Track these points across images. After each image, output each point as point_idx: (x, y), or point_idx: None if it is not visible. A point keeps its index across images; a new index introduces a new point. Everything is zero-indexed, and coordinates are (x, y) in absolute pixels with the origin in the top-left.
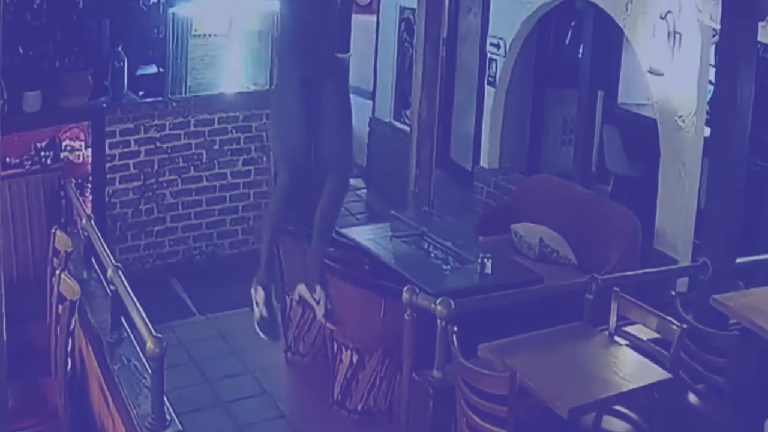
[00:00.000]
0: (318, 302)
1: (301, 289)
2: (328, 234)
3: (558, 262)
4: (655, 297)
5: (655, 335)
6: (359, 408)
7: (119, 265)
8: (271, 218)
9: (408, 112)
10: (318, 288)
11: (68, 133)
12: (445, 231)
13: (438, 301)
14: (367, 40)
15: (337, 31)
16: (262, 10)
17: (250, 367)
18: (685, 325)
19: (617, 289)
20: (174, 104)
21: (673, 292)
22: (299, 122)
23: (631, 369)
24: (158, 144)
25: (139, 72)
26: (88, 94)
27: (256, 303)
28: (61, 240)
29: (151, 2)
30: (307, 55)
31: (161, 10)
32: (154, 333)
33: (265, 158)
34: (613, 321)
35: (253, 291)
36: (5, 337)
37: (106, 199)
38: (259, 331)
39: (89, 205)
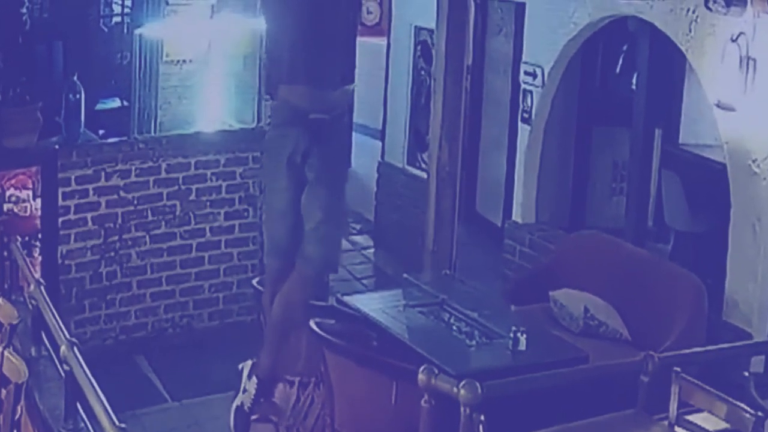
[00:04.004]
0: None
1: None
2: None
3: (607, 336)
4: (724, 379)
5: (725, 425)
6: None
7: (74, 340)
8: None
9: (425, 156)
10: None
11: (13, 181)
12: (469, 299)
13: (461, 384)
14: (375, 68)
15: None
16: (247, 30)
17: None
18: (760, 413)
19: (678, 369)
20: (141, 145)
21: (746, 373)
22: (286, 215)
23: None
24: (122, 194)
25: (99, 106)
26: (37, 133)
27: (244, 390)
28: (5, 310)
29: (113, 22)
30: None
31: (125, 31)
32: (117, 423)
33: (251, 210)
34: (673, 408)
35: (245, 374)
36: None
37: (59, 261)
38: (232, 419)
39: (38, 267)
